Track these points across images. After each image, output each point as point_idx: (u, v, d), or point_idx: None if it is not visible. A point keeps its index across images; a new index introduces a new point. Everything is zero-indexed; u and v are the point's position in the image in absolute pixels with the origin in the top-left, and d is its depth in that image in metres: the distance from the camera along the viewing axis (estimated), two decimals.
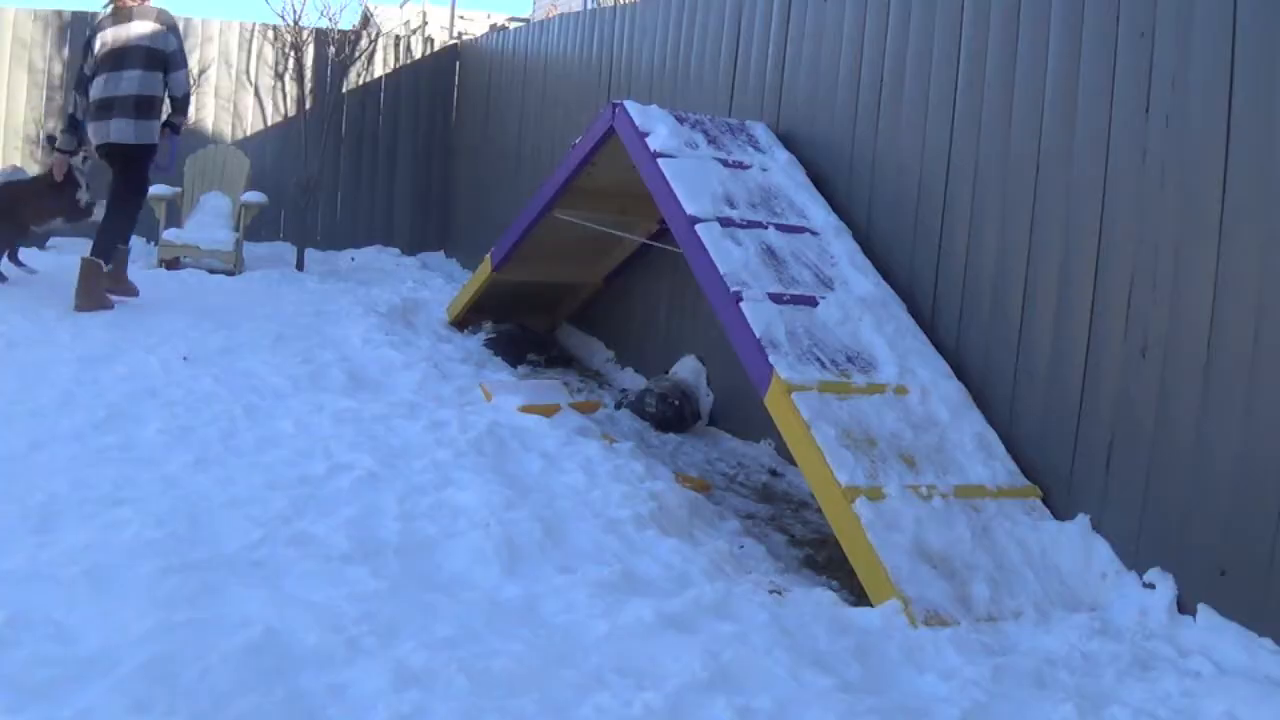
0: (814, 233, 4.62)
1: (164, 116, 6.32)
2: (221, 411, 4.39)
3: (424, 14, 18.09)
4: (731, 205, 4.57)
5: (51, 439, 3.82)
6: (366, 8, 11.00)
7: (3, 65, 9.18)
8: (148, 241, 9.03)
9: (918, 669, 2.83)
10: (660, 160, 4.68)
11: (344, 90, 9.70)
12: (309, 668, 2.42)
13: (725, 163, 4.83)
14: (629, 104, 5.04)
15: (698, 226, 4.37)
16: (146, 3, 6.30)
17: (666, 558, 3.37)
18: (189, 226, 8.46)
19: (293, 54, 9.33)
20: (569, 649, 2.66)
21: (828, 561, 3.83)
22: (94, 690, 2.22)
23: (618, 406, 5.54)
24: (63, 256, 7.79)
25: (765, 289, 4.14)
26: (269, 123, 9.78)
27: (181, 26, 9.45)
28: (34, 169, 9.09)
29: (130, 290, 6.44)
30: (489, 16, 22.44)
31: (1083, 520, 3.61)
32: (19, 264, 6.93)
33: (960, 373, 4.13)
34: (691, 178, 4.62)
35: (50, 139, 6.95)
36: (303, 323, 6.32)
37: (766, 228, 4.51)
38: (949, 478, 3.68)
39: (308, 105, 9.32)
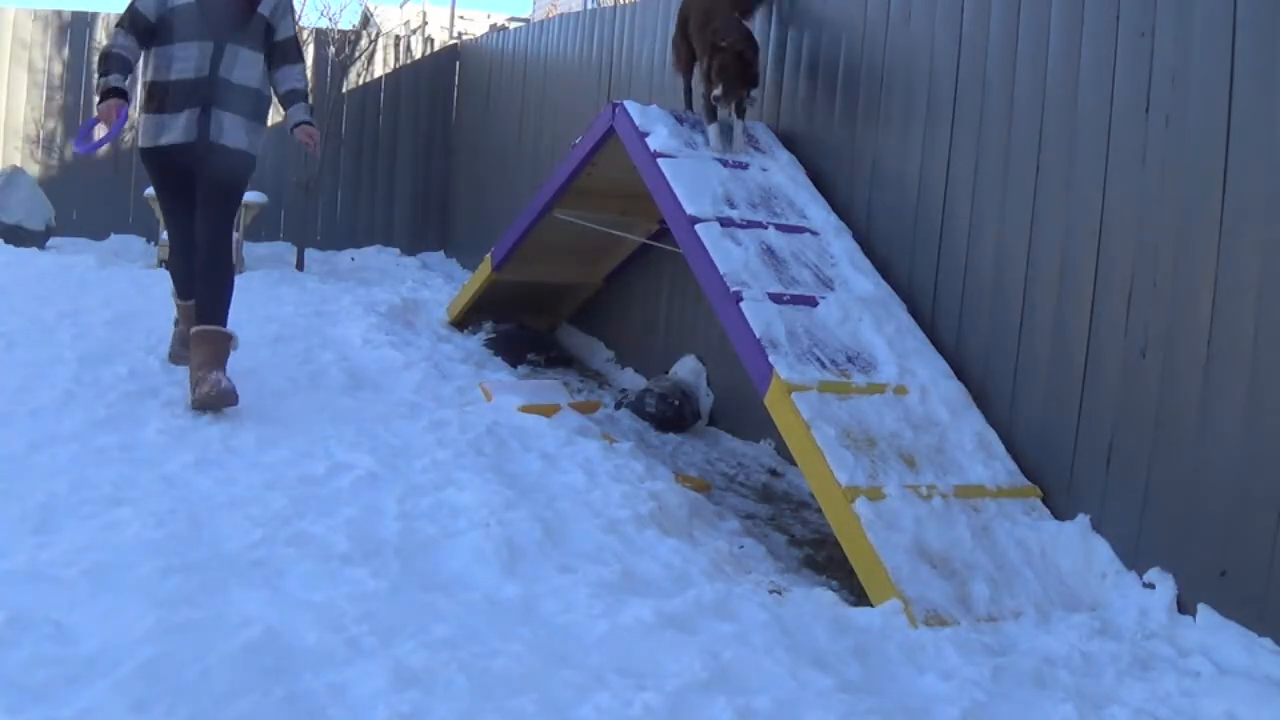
0: (814, 233, 4.62)
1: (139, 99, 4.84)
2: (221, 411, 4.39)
3: (424, 14, 18.08)
4: (731, 205, 4.58)
5: (51, 439, 3.82)
6: (366, 8, 11.02)
7: (3, 65, 9.18)
8: (148, 241, 9.04)
9: (918, 669, 2.83)
10: (660, 160, 4.68)
11: (344, 90, 9.70)
12: (309, 668, 2.42)
13: (725, 163, 4.83)
14: (629, 104, 5.04)
15: (698, 226, 4.37)
16: None
17: (666, 558, 3.37)
18: None
19: None
20: (569, 649, 2.66)
21: (828, 561, 3.83)
22: (94, 690, 2.21)
23: (618, 406, 5.54)
24: (63, 256, 7.80)
25: (765, 289, 4.14)
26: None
27: None
28: (34, 169, 9.11)
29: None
30: (489, 16, 22.44)
31: (1083, 520, 3.61)
32: None
33: (960, 373, 4.13)
34: (691, 178, 4.62)
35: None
36: (303, 323, 6.31)
37: (766, 228, 4.51)
38: (949, 478, 3.68)
39: None
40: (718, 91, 4.83)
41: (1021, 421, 3.92)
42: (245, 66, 4.53)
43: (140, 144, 4.58)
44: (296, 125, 4.67)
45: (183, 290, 4.79)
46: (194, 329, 4.44)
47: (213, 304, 4.49)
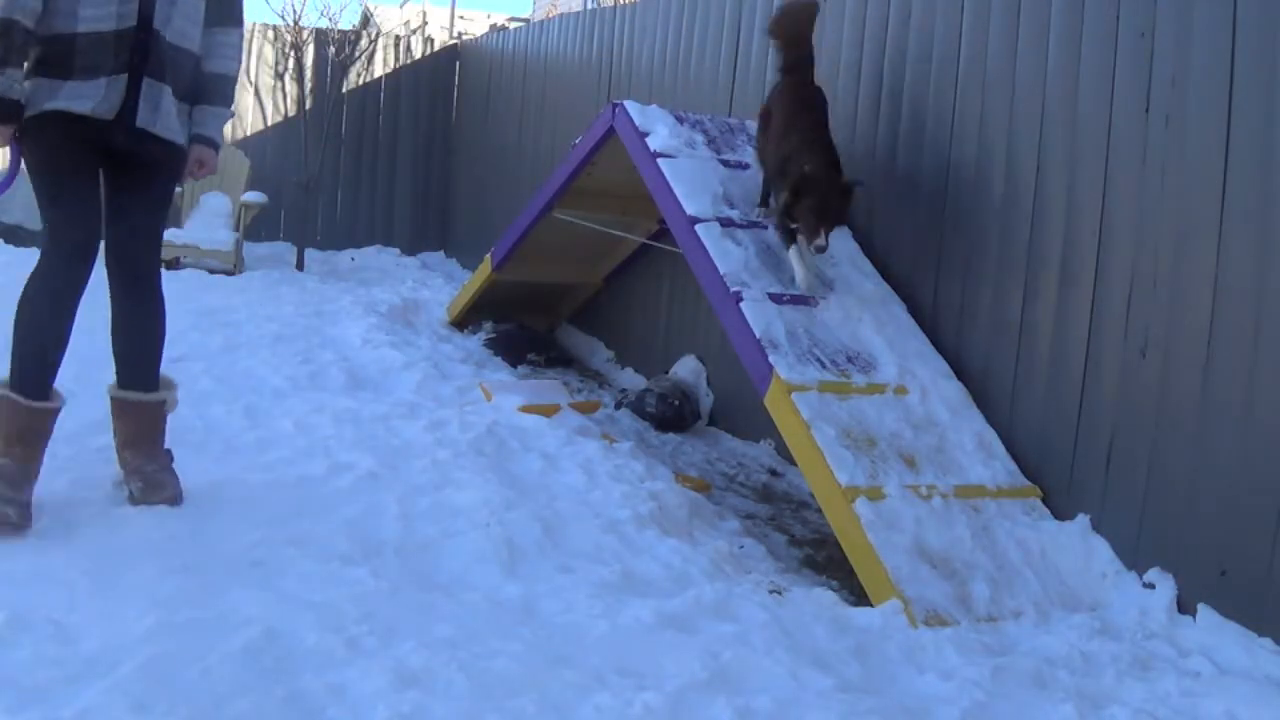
0: None
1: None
2: (221, 411, 4.39)
3: (424, 14, 18.10)
4: (731, 205, 4.58)
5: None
6: (366, 8, 11.01)
7: None
8: None
9: (918, 669, 2.83)
10: (660, 160, 4.68)
11: (344, 90, 9.70)
12: (309, 668, 2.42)
13: (725, 163, 4.83)
14: (629, 104, 5.04)
15: (698, 226, 4.37)
16: None
17: (666, 558, 3.37)
18: (189, 226, 8.46)
19: (293, 54, 9.33)
20: (569, 649, 2.66)
21: (828, 561, 3.83)
22: (94, 690, 2.21)
23: (618, 406, 5.55)
24: None
25: (765, 289, 4.14)
26: (269, 123, 9.78)
27: None
28: None
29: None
30: (489, 16, 22.47)
31: (1083, 520, 3.61)
32: None
33: (960, 373, 4.13)
34: (691, 178, 4.62)
35: None
36: (303, 323, 6.32)
37: (766, 228, 4.51)
38: (949, 478, 3.68)
39: (308, 105, 9.32)
40: (820, 242, 3.98)
41: (1021, 422, 3.92)
42: (187, 18, 3.19)
43: (27, 112, 3.09)
44: (197, 139, 3.31)
45: (37, 377, 3.17)
46: (116, 394, 3.37)
47: (140, 359, 3.37)
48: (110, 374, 3.39)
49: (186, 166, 3.33)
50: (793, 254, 4.21)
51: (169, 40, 3.15)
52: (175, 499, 3.24)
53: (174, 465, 3.36)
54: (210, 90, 3.34)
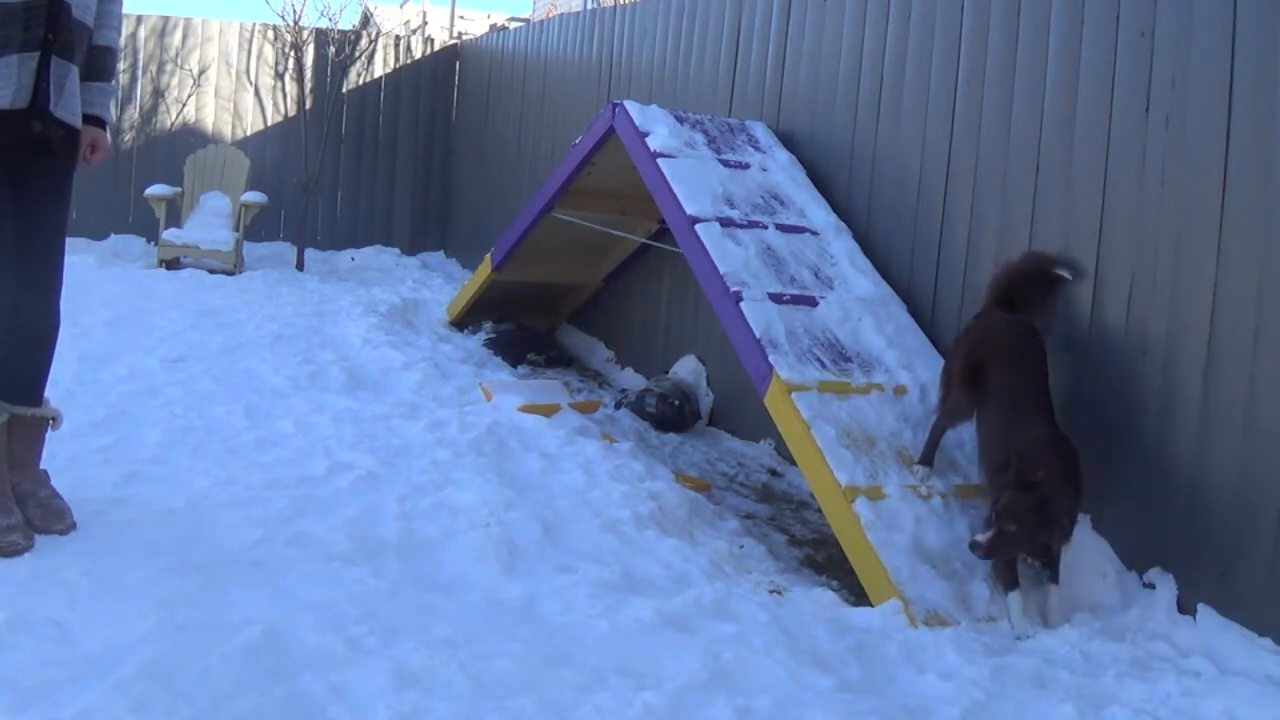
0: (814, 233, 4.62)
1: None
2: (221, 411, 4.39)
3: (424, 14, 18.10)
4: (731, 205, 4.58)
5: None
6: (366, 8, 11.00)
7: None
8: (148, 241, 9.04)
9: (918, 669, 2.83)
10: (660, 160, 4.68)
11: (344, 90, 9.71)
12: (309, 668, 2.42)
13: (725, 163, 4.83)
14: (629, 104, 5.04)
15: (698, 226, 4.37)
16: None
17: (666, 558, 3.37)
18: (189, 226, 8.47)
19: (293, 54, 9.34)
20: (569, 649, 2.66)
21: (828, 561, 3.83)
22: (94, 690, 2.21)
23: (618, 406, 5.54)
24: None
25: (765, 289, 4.14)
26: (269, 123, 9.78)
27: (182, 26, 9.55)
28: None
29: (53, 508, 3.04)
30: (489, 16, 22.44)
31: (1083, 520, 3.60)
32: None
33: None
34: (691, 178, 4.62)
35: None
36: (303, 323, 6.33)
37: (766, 228, 4.51)
38: (949, 477, 3.68)
39: (308, 105, 9.33)
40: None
41: None
42: None
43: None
44: (90, 120, 3.04)
45: None
46: (15, 412, 3.01)
47: (32, 373, 3.05)
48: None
49: (80, 151, 3.04)
50: (1012, 601, 3.23)
51: (74, 15, 2.88)
52: (73, 525, 3.01)
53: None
54: (98, 65, 3.05)
